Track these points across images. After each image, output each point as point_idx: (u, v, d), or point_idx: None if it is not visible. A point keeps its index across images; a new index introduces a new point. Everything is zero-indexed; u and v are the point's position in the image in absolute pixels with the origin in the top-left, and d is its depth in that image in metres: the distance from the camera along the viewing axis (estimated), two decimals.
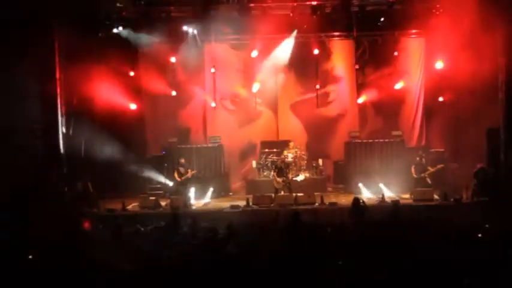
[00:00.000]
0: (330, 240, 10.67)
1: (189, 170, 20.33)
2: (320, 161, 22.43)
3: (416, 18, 21.08)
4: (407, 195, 19.54)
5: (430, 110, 22.90)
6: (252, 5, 21.08)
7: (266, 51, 22.99)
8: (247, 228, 13.55)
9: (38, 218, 15.36)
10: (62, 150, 19.26)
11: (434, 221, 14.38)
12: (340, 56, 23.55)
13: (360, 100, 23.29)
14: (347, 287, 8.29)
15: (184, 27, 21.60)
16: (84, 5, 19.90)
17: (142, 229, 14.33)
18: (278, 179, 19.76)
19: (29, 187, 17.50)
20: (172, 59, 22.64)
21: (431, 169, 19.81)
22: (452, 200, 18.23)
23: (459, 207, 17.51)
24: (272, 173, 20.72)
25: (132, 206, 19.38)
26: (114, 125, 21.15)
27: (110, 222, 16.02)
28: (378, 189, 19.68)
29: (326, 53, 23.39)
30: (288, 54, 22.90)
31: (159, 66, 22.75)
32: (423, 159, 20.17)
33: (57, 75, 19.15)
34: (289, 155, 21.57)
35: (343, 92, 23.65)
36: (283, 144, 22.29)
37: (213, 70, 23.11)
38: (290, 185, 19.83)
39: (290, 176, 20.37)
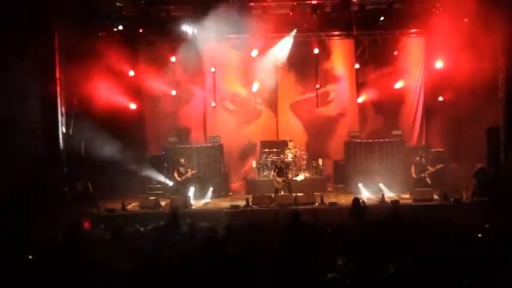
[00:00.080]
0: (330, 240, 10.63)
1: (189, 170, 20.35)
2: (320, 161, 22.42)
3: (416, 18, 21.07)
4: (407, 195, 19.54)
5: (430, 110, 22.90)
6: (252, 4, 21.08)
7: (266, 51, 22.99)
8: (246, 228, 13.56)
9: (38, 218, 15.38)
10: (62, 150, 19.25)
11: (434, 221, 14.39)
12: (340, 56, 23.53)
13: (360, 99, 23.29)
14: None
15: (184, 27, 21.58)
16: (84, 5, 19.90)
17: (142, 229, 14.33)
18: (278, 179, 19.76)
19: (29, 187, 17.50)
20: (172, 59, 22.63)
21: (431, 169, 19.82)
22: (452, 200, 18.22)
23: (459, 207, 17.50)
24: (272, 172, 20.71)
25: (132, 206, 19.38)
26: (114, 125, 21.12)
27: (109, 222, 16.03)
28: (378, 189, 19.68)
29: (326, 53, 23.37)
30: (286, 53, 22.90)
31: (159, 66, 22.74)
32: (423, 159, 20.18)
33: (57, 75, 19.14)
34: (289, 155, 21.57)
35: (343, 91, 23.64)
36: (283, 144, 22.29)
37: (213, 70, 23.13)
38: (290, 185, 19.83)
39: (290, 175, 20.36)
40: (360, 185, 20.25)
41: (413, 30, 22.52)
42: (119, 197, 19.57)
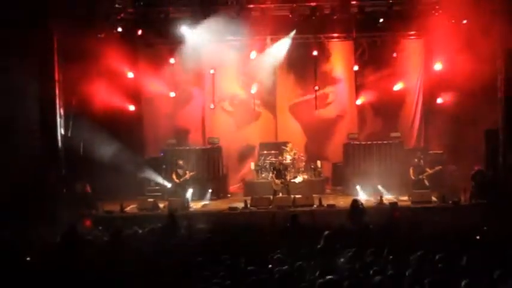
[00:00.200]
0: (328, 241, 10.63)
1: (188, 172, 20.34)
2: (318, 163, 22.40)
3: (415, 20, 21.05)
4: (405, 197, 19.54)
5: (428, 112, 22.89)
6: (251, 6, 21.06)
7: (265, 53, 22.98)
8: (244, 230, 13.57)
9: (36, 219, 15.37)
10: (60, 151, 19.24)
11: (432, 223, 14.41)
12: (339, 57, 23.53)
13: (359, 101, 23.28)
14: None
15: (183, 29, 21.57)
16: (83, 6, 19.90)
17: (140, 231, 14.33)
18: (276, 181, 19.74)
19: (27, 188, 17.50)
20: (171, 60, 22.61)
21: (429, 171, 19.83)
22: (450, 202, 18.25)
23: (457, 209, 17.51)
24: (270, 174, 20.70)
25: (130, 207, 19.36)
26: (113, 126, 21.10)
27: (108, 224, 16.04)
28: (376, 191, 19.68)
29: (325, 54, 23.35)
30: (283, 53, 22.92)
31: (158, 67, 22.73)
32: (421, 161, 20.19)
33: (56, 76, 19.13)
34: (287, 157, 21.55)
35: (342, 93, 23.64)
36: (282, 146, 22.25)
37: (212, 71, 23.10)
38: (288, 187, 19.80)
39: (288, 177, 20.32)
40: (358, 187, 20.24)
41: (413, 32, 22.50)
42: (117, 199, 19.55)
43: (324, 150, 23.58)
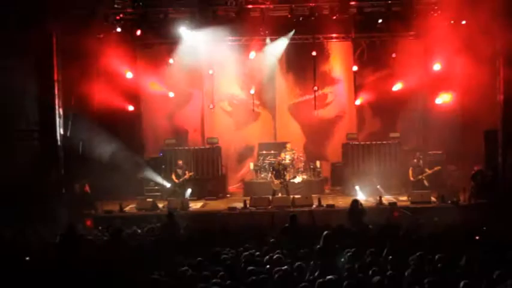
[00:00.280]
0: (328, 242, 10.64)
1: (187, 172, 20.34)
2: (318, 163, 22.41)
3: (414, 20, 21.04)
4: (404, 198, 19.54)
5: (427, 112, 22.88)
6: (249, 6, 21.05)
7: (264, 53, 22.99)
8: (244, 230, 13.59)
9: (35, 220, 15.38)
10: (59, 152, 19.21)
11: (431, 223, 14.43)
12: (338, 58, 23.56)
13: (358, 102, 23.26)
14: None
15: (182, 29, 21.56)
16: (82, 6, 19.90)
17: (139, 231, 14.35)
18: (276, 181, 19.74)
19: (26, 188, 17.48)
20: (170, 61, 22.61)
21: (428, 171, 19.83)
22: (449, 202, 18.25)
23: (457, 209, 17.50)
24: (269, 174, 20.71)
25: (130, 207, 19.36)
26: (112, 126, 21.12)
27: (107, 224, 16.05)
28: (376, 191, 19.67)
29: (324, 55, 23.38)
30: (282, 53, 22.94)
31: (157, 68, 22.72)
32: (421, 161, 20.19)
33: (55, 76, 19.10)
34: (286, 157, 21.54)
35: (341, 93, 23.67)
36: (281, 146, 22.26)
37: (211, 72, 23.08)
38: (287, 187, 19.79)
39: (287, 177, 20.30)
40: (357, 187, 20.23)
41: (412, 33, 22.45)
42: (116, 199, 19.57)
43: (323, 150, 23.60)
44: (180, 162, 20.59)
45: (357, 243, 11.02)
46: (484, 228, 13.18)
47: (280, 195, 19.55)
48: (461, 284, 8.20)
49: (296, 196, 19.21)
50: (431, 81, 22.26)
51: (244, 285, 8.71)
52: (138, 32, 21.57)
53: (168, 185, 20.78)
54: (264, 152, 22.63)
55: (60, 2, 18.85)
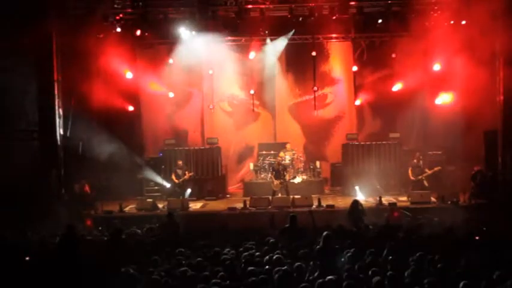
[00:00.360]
0: (327, 242, 10.63)
1: (187, 172, 20.34)
2: (317, 163, 22.40)
3: (414, 20, 21.05)
4: (404, 198, 19.54)
5: (427, 112, 22.86)
6: (249, 6, 21.05)
7: (264, 53, 22.99)
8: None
9: (35, 220, 15.37)
10: (59, 152, 19.22)
11: (431, 223, 14.43)
12: (338, 58, 23.54)
13: (358, 102, 23.25)
14: None
15: (182, 29, 21.56)
16: (82, 6, 19.90)
17: (139, 231, 14.35)
18: (275, 181, 19.73)
19: (26, 188, 17.49)
20: (170, 61, 22.60)
21: (428, 171, 19.82)
22: (449, 202, 18.25)
23: (456, 209, 17.50)
24: (269, 175, 20.70)
25: (130, 208, 19.35)
26: (112, 127, 21.14)
27: (107, 224, 16.06)
28: (375, 191, 19.67)
29: (324, 55, 23.37)
30: (282, 54, 22.97)
31: (157, 68, 22.71)
32: (420, 162, 20.18)
33: (55, 76, 19.11)
34: (286, 157, 21.53)
35: (341, 94, 23.65)
36: (281, 146, 22.24)
37: (210, 72, 23.06)
38: (287, 187, 19.79)
39: (287, 178, 20.29)
40: (357, 187, 20.21)
41: (411, 33, 22.43)
42: (116, 199, 19.56)
43: (323, 150, 23.60)
44: (180, 162, 20.60)
45: (356, 244, 11.02)
46: (484, 228, 13.18)
47: (280, 195, 19.56)
48: (461, 284, 8.20)
49: (296, 196, 19.20)
50: (431, 81, 22.23)
51: (244, 286, 8.72)
52: (138, 32, 21.55)
53: (168, 185, 20.78)
54: (264, 152, 22.62)
55: (60, 2, 18.88)
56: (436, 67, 21.63)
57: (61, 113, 19.42)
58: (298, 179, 20.86)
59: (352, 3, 21.00)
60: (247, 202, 19.00)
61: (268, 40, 22.67)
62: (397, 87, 22.62)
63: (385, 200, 18.90)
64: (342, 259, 10.04)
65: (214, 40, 21.88)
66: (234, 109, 23.85)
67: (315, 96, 23.01)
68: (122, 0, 21.09)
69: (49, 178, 18.54)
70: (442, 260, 9.60)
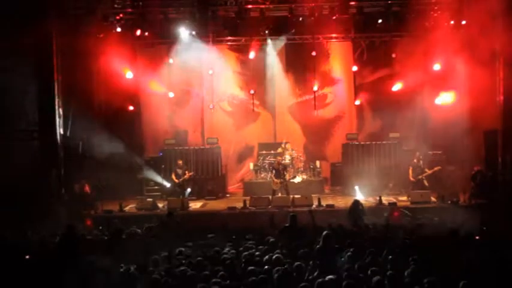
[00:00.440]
0: (327, 242, 10.63)
1: (187, 172, 20.33)
2: (317, 163, 22.41)
3: (414, 20, 21.07)
4: (404, 198, 19.55)
5: (427, 112, 22.84)
6: (249, 6, 21.06)
7: (264, 53, 23.00)
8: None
9: (35, 219, 15.37)
10: (59, 151, 19.23)
11: (431, 223, 14.43)
12: (338, 58, 23.55)
13: (358, 102, 23.26)
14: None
15: (182, 29, 21.57)
16: (82, 6, 19.90)
17: (138, 231, 14.35)
18: (276, 181, 19.73)
19: (26, 188, 17.49)
20: (170, 60, 22.61)
21: (428, 171, 19.80)
22: (449, 202, 18.26)
23: (456, 209, 17.50)
24: (269, 174, 20.71)
25: (129, 207, 19.36)
26: (112, 126, 21.15)
27: (107, 224, 16.05)
28: (375, 191, 19.66)
29: (324, 55, 23.37)
30: (282, 53, 23.02)
31: (157, 68, 22.72)
32: (420, 161, 20.15)
33: (55, 76, 19.12)
34: (286, 157, 21.53)
35: (341, 93, 23.65)
36: (281, 145, 22.24)
37: (210, 72, 23.05)
38: (287, 187, 19.78)
39: (287, 177, 20.29)
40: (357, 187, 20.21)
41: (411, 33, 22.44)
42: (116, 199, 19.57)
43: (323, 150, 23.61)
44: (180, 162, 20.59)
45: (356, 243, 11.02)
46: (484, 228, 13.18)
47: (280, 195, 19.55)
48: (461, 284, 8.21)
49: (296, 196, 19.20)
50: (431, 81, 22.23)
51: (243, 285, 8.72)
52: (138, 32, 21.59)
53: (168, 184, 20.78)
54: (264, 152, 22.62)
55: (60, 1, 18.88)
56: (436, 67, 21.62)
57: (61, 112, 19.43)
58: (298, 179, 20.86)
59: (352, 3, 21.03)
60: (247, 202, 19.01)
61: (268, 40, 22.67)
62: (397, 87, 22.62)
63: (385, 199, 18.91)
64: (342, 259, 10.03)
65: (214, 40, 21.90)
66: (234, 109, 23.85)
67: (315, 96, 23.01)
68: (122, 0, 21.10)
69: (49, 178, 18.54)
70: (442, 260, 9.60)
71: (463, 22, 20.27)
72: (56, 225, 14.38)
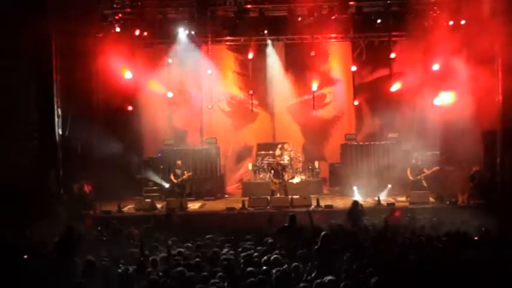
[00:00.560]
0: (326, 242, 10.63)
1: (186, 172, 20.31)
2: (316, 163, 22.41)
3: (413, 20, 21.09)
4: (403, 198, 19.55)
5: (426, 112, 22.84)
6: (248, 6, 21.07)
7: (263, 53, 23.00)
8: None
9: (34, 220, 15.36)
10: (58, 152, 19.22)
11: (430, 223, 14.42)
12: (337, 58, 23.57)
13: (357, 102, 23.26)
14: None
15: (181, 29, 21.57)
16: (81, 6, 19.89)
17: (137, 231, 14.34)
18: (274, 181, 19.72)
19: (25, 188, 17.47)
20: (169, 61, 22.61)
21: (427, 171, 19.78)
22: (447, 202, 18.26)
23: (455, 210, 17.50)
24: (268, 174, 20.70)
25: (128, 208, 19.35)
26: (111, 126, 21.14)
27: (105, 224, 16.03)
28: (374, 191, 19.66)
29: (323, 55, 23.35)
30: (281, 53, 23.04)
31: (156, 68, 22.70)
32: (419, 162, 20.15)
33: (54, 76, 19.11)
34: (285, 157, 21.52)
35: (340, 93, 23.66)
36: (280, 145, 22.23)
37: (209, 72, 23.04)
38: (286, 187, 19.77)
39: (286, 178, 20.28)
40: (355, 187, 20.21)
41: (410, 33, 22.45)
42: (115, 199, 19.56)
43: (322, 150, 23.62)
44: (179, 162, 20.57)
45: (355, 244, 11.02)
46: (483, 229, 13.17)
47: (278, 195, 19.54)
48: (459, 283, 8.21)
49: (294, 196, 19.19)
50: (430, 81, 22.23)
51: (242, 286, 8.72)
52: (137, 32, 21.59)
53: (166, 185, 20.77)
54: (263, 152, 22.62)
55: (60, 1, 18.87)
56: (435, 67, 21.62)
57: (60, 112, 19.41)
58: (297, 179, 20.85)
59: (351, 3, 21.08)
60: (246, 202, 19.01)
61: (266, 40, 22.67)
62: (395, 87, 22.61)
63: (384, 200, 18.92)
64: (340, 259, 10.02)
65: (213, 40, 21.90)
66: (233, 109, 23.86)
67: (313, 96, 23.04)
68: (120, 0, 21.10)
69: (48, 178, 18.53)
70: (441, 260, 9.60)
71: (462, 22, 20.26)
72: (55, 225, 14.38)
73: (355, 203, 15.46)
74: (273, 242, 11.59)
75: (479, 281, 8.60)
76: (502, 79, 18.72)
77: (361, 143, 21.82)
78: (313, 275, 9.27)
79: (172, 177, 20.36)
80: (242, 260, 10.20)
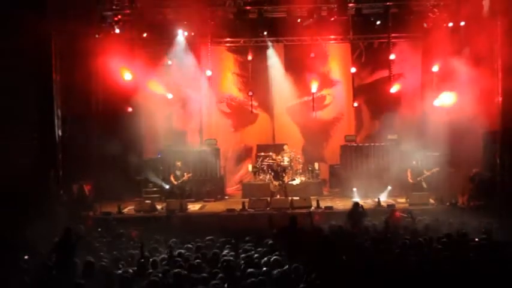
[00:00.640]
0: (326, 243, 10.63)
1: (185, 173, 20.30)
2: (316, 165, 22.41)
3: (413, 22, 21.08)
4: (403, 199, 19.55)
5: (426, 113, 22.84)
6: (248, 7, 21.07)
7: (262, 54, 23.00)
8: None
9: (34, 221, 15.35)
10: (58, 152, 19.20)
11: (430, 224, 14.41)
12: (337, 59, 23.56)
13: (356, 103, 23.26)
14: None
15: (181, 30, 21.56)
16: (81, 7, 19.89)
17: (136, 232, 14.34)
18: (274, 182, 19.72)
19: (24, 190, 17.46)
20: (169, 62, 22.60)
21: (427, 173, 19.79)
22: (448, 204, 18.25)
23: (455, 211, 17.50)
24: (268, 176, 20.69)
25: (128, 209, 19.34)
26: (110, 127, 21.11)
27: (105, 225, 16.04)
28: (374, 193, 19.65)
29: (322, 56, 23.35)
30: (280, 55, 23.05)
31: (155, 69, 22.69)
32: (419, 163, 20.16)
33: (54, 77, 19.10)
34: (285, 159, 21.49)
35: (340, 95, 23.66)
36: (279, 148, 22.23)
37: (209, 73, 23.03)
38: (286, 189, 19.78)
39: (286, 179, 20.29)
40: (355, 189, 20.20)
41: (410, 34, 22.48)
42: (115, 200, 19.55)
43: (322, 152, 23.61)
44: (179, 163, 20.55)
45: (355, 245, 11.02)
46: (483, 230, 13.17)
47: (278, 197, 19.54)
48: (459, 284, 8.21)
49: (294, 198, 19.20)
50: (430, 82, 22.25)
51: (242, 287, 8.71)
52: (137, 33, 21.56)
53: (166, 186, 20.75)
54: (263, 153, 22.60)
55: (59, 2, 18.86)
56: (435, 69, 21.63)
57: (60, 113, 19.40)
58: (296, 181, 20.89)
59: (351, 4, 21.07)
60: (246, 203, 19.00)
61: (266, 41, 22.67)
62: (395, 88, 22.62)
63: (384, 201, 18.94)
64: (339, 260, 10.02)
65: (213, 41, 21.90)
66: (233, 110, 23.85)
67: (313, 98, 23.03)
68: (120, 1, 21.10)
69: (47, 179, 18.51)
70: (441, 261, 9.60)
71: (462, 23, 20.26)
72: (54, 225, 14.37)
73: (356, 204, 15.45)
74: (273, 243, 11.59)
75: (479, 281, 8.61)
76: (501, 80, 18.72)
77: (360, 145, 21.86)
78: (312, 276, 9.28)
79: (172, 178, 20.35)
80: (242, 261, 10.21)
